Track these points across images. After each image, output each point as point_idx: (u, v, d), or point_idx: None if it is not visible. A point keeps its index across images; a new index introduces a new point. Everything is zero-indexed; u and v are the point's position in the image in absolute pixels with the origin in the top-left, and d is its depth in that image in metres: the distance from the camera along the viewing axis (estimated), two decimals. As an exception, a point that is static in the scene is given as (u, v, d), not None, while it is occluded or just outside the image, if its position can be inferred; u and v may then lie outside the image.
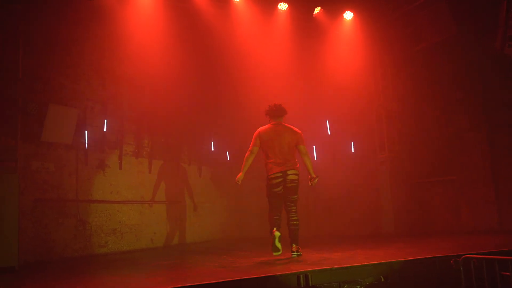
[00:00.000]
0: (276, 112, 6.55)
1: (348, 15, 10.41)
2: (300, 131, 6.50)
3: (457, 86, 9.65)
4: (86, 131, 8.67)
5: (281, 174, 6.25)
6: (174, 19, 9.08)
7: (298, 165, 6.38)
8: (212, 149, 11.20)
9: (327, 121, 11.58)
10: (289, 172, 6.27)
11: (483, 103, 9.31)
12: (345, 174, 11.06)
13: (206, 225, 10.60)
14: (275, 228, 6.07)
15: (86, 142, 8.70)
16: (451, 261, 4.82)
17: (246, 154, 6.36)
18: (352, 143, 11.19)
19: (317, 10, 10.22)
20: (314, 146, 11.50)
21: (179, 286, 3.78)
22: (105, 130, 9.01)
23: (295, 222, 6.24)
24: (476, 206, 9.16)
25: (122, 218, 9.03)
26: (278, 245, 5.92)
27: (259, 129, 6.48)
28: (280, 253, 5.92)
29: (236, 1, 9.57)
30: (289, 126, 6.54)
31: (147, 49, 8.97)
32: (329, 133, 11.57)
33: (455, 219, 9.48)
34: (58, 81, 8.33)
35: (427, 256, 5.05)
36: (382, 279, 4.69)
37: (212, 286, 3.82)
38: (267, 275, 4.21)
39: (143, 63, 8.99)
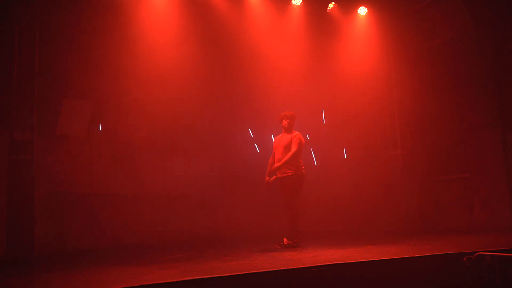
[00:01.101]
0: None
1: (362, 10, 10.37)
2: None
3: (472, 82, 9.55)
4: (99, 125, 8.76)
5: None
6: (188, 15, 9.11)
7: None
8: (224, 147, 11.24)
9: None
10: None
11: (498, 100, 9.21)
12: (355, 170, 11.03)
13: (217, 219, 10.63)
14: None
15: (100, 135, 8.77)
16: (464, 258, 4.79)
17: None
18: (363, 139, 11.15)
19: (331, 5, 10.20)
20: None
21: (191, 278, 3.81)
22: (118, 124, 9.09)
23: None
24: (489, 204, 9.08)
25: (135, 212, 9.10)
26: None
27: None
28: None
29: (250, -5, 9.60)
30: None
31: (162, 45, 9.02)
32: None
33: (468, 217, 9.41)
34: (73, 75, 8.42)
35: (441, 253, 5.02)
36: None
37: (224, 280, 3.85)
38: (278, 269, 4.23)
39: (158, 59, 9.03)
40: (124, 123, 9.29)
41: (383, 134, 10.82)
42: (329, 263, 4.44)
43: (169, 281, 3.78)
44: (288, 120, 7.27)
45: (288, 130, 7.28)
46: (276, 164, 7.07)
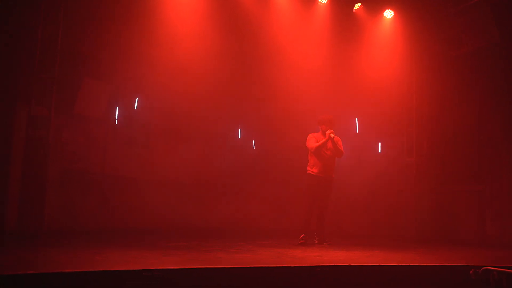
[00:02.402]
0: None
1: (389, 13, 10.25)
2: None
3: (494, 94, 9.39)
4: (117, 107, 8.82)
5: None
6: (212, 8, 9.13)
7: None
8: (239, 136, 11.23)
9: (356, 119, 11.44)
10: None
11: (521, 114, 9.05)
12: (370, 174, 10.92)
13: (228, 210, 10.64)
14: None
15: (117, 118, 8.84)
16: (471, 272, 4.72)
17: None
18: (380, 143, 11.05)
19: (357, 6, 10.09)
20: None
21: (193, 267, 3.82)
22: (135, 108, 9.14)
23: None
24: (502, 219, 8.95)
25: (145, 196, 9.15)
26: None
27: None
28: None
29: (276, -9, 9.55)
30: None
31: (183, 36, 9.05)
32: (357, 131, 11.45)
33: (479, 230, 9.28)
34: (95, 57, 8.49)
35: (447, 264, 4.96)
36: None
37: (225, 271, 3.85)
38: (280, 265, 4.22)
39: (179, 49, 9.05)
40: (141, 107, 9.34)
41: (400, 140, 10.71)
42: (332, 264, 4.42)
43: (171, 267, 3.80)
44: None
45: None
46: None
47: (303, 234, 7.11)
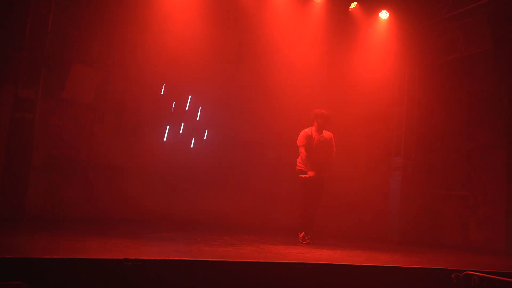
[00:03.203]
0: None
1: (384, 14, 10.23)
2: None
3: (485, 101, 9.46)
4: (105, 94, 8.71)
5: None
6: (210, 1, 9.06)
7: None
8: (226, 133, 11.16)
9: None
10: None
11: (509, 122, 9.11)
12: (356, 175, 10.93)
13: (213, 205, 10.58)
14: None
15: (105, 105, 8.73)
16: (452, 275, 4.74)
17: None
18: (369, 144, 11.05)
19: (353, 5, 10.06)
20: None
21: (174, 258, 3.77)
22: (125, 95, 9.04)
23: None
24: (485, 225, 9.02)
25: (131, 185, 9.05)
26: None
27: None
28: None
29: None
30: None
31: (178, 24, 8.96)
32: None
33: (462, 236, 9.35)
34: (86, 42, 8.37)
35: (429, 267, 4.97)
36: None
37: (206, 264, 3.81)
38: (263, 261, 4.18)
39: (172, 38, 8.97)
40: (130, 95, 9.23)
41: (389, 141, 10.72)
42: (315, 262, 4.39)
43: (152, 258, 3.75)
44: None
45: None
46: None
47: (303, 233, 7.01)
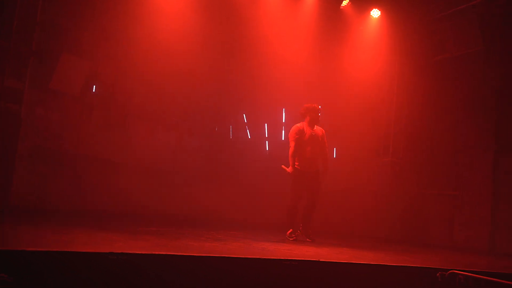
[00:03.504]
0: None
1: (375, 13, 10.26)
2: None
3: (473, 102, 9.51)
4: (94, 86, 8.62)
5: None
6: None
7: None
8: (216, 129, 11.12)
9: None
10: None
11: (496, 124, 9.18)
12: (344, 172, 10.97)
13: (201, 200, 10.54)
14: None
15: (94, 97, 8.64)
16: (438, 274, 4.77)
17: None
18: (358, 142, 11.09)
19: (345, 2, 10.08)
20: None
21: (161, 253, 3.75)
22: (114, 88, 8.96)
23: None
24: (470, 225, 9.10)
25: (118, 179, 8.99)
26: None
27: None
28: None
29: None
30: None
31: (172, 20, 8.94)
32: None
33: (447, 235, 9.43)
34: (75, 32, 8.27)
35: (415, 265, 5.00)
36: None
37: (193, 259, 3.79)
38: (249, 257, 4.17)
39: (163, 31, 8.92)
40: (120, 88, 9.15)
41: (378, 140, 10.76)
42: (302, 259, 4.39)
43: (138, 252, 3.72)
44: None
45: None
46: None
47: (291, 230, 6.94)
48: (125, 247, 4.17)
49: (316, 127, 7.21)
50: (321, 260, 4.51)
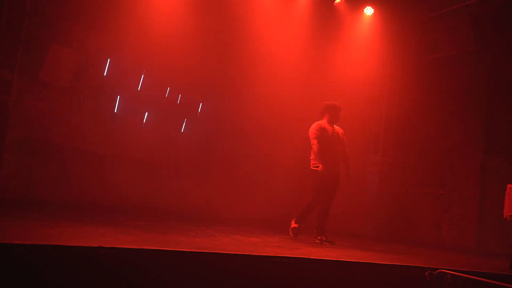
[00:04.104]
0: None
1: (369, 10, 10.26)
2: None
3: (463, 103, 9.57)
4: (84, 78, 8.52)
5: None
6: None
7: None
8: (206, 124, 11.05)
9: None
10: None
11: (486, 124, 9.25)
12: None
13: (192, 194, 10.48)
14: None
15: (83, 88, 8.54)
16: (426, 273, 4.78)
17: None
18: (348, 140, 11.06)
19: (338, -1, 10.07)
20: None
21: (149, 248, 3.71)
22: (104, 79, 8.86)
23: None
24: (458, 224, 9.18)
25: (107, 172, 8.91)
26: None
27: None
28: None
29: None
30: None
31: (164, 13, 8.88)
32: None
33: (435, 233, 9.50)
34: (65, 23, 8.15)
35: (403, 264, 5.01)
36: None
37: (182, 255, 3.75)
38: (239, 253, 4.15)
39: (158, 27, 8.84)
40: (110, 80, 9.05)
41: (368, 138, 10.79)
42: (292, 256, 4.38)
43: (128, 247, 3.67)
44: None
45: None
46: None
47: (297, 225, 6.67)
48: (114, 241, 4.12)
49: (335, 126, 6.89)
50: (311, 257, 4.51)
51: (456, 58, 9.53)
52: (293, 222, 6.75)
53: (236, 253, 4.16)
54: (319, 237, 6.64)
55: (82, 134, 8.59)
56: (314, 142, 6.66)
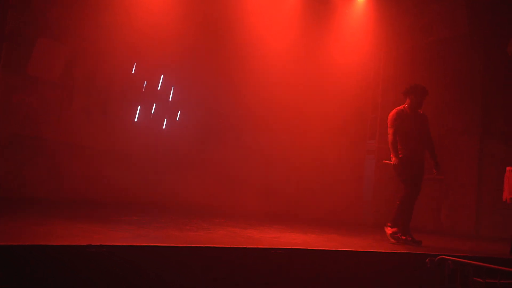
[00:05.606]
0: None
1: (362, -6, 10.11)
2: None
3: (459, 86, 9.47)
4: (74, 72, 8.35)
5: None
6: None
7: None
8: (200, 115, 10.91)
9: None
10: None
11: (482, 108, 9.16)
12: (332, 159, 10.87)
13: (185, 186, 10.36)
14: None
15: (73, 83, 8.38)
16: (427, 260, 4.72)
17: None
18: (346, 127, 10.99)
19: (331, -17, 9.90)
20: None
21: (142, 244, 3.59)
22: (95, 73, 8.70)
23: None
24: (456, 210, 9.12)
25: (99, 167, 8.76)
26: None
27: None
28: None
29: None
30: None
31: (154, 2, 8.64)
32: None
33: (434, 220, 9.44)
34: (53, 15, 7.95)
35: (403, 251, 4.94)
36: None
37: (176, 250, 3.64)
38: (234, 246, 4.05)
39: (148, 17, 8.68)
40: (101, 74, 8.88)
41: (364, 124, 10.68)
42: (289, 247, 4.28)
43: (119, 244, 3.56)
44: None
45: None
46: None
47: (395, 229, 6.01)
48: (106, 238, 4.01)
49: (419, 112, 6.23)
50: (309, 248, 4.41)
51: (451, 42, 9.41)
52: (390, 228, 6.06)
53: (232, 246, 4.06)
54: (403, 237, 5.98)
55: (73, 128, 8.43)
56: (389, 131, 6.08)
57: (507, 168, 6.20)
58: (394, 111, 6.14)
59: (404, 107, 6.18)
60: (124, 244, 3.54)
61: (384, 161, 6.39)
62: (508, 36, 7.92)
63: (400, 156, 6.02)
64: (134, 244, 3.55)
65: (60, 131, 8.28)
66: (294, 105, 11.19)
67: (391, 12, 10.17)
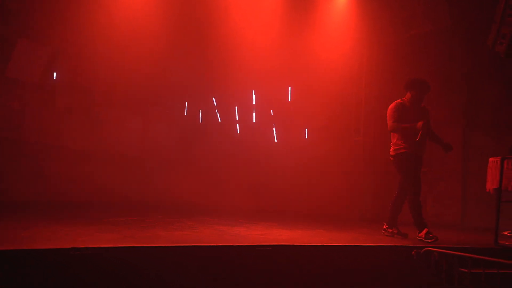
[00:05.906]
0: None
1: (344, -13, 10.10)
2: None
3: (442, 78, 9.51)
4: (55, 73, 8.25)
5: None
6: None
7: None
8: (185, 113, 10.87)
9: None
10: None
11: (465, 100, 9.24)
12: (318, 155, 10.89)
13: (170, 185, 10.32)
14: None
15: (55, 84, 8.28)
16: (413, 252, 4.76)
17: None
18: (329, 122, 11.01)
19: (312, -22, 9.89)
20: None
21: (128, 246, 3.57)
22: (77, 74, 8.60)
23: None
24: (441, 201, 9.20)
25: (84, 168, 8.70)
26: None
27: None
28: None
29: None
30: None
31: (134, 4, 8.58)
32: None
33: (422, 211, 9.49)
34: (33, 16, 7.84)
35: (390, 244, 4.97)
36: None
37: (163, 250, 3.62)
38: (220, 244, 4.04)
39: (130, 15, 8.56)
40: (83, 75, 8.79)
41: (348, 119, 10.70)
42: (275, 244, 4.28)
43: (104, 246, 3.52)
44: None
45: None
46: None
47: (426, 230, 5.75)
48: (91, 240, 3.97)
49: (420, 106, 6.17)
50: (295, 244, 4.42)
51: (433, 34, 9.45)
52: (420, 233, 5.84)
53: (217, 244, 4.05)
54: (390, 230, 6.10)
55: (56, 130, 8.38)
56: (388, 123, 6.05)
57: (490, 159, 6.27)
58: (393, 104, 6.06)
59: (403, 100, 6.11)
60: (110, 245, 3.51)
61: (395, 153, 6.16)
62: (489, 29, 7.98)
63: (401, 151, 5.97)
64: (120, 245, 3.52)
65: (42, 132, 8.22)
66: (279, 102, 11.21)
67: (372, 6, 10.18)
